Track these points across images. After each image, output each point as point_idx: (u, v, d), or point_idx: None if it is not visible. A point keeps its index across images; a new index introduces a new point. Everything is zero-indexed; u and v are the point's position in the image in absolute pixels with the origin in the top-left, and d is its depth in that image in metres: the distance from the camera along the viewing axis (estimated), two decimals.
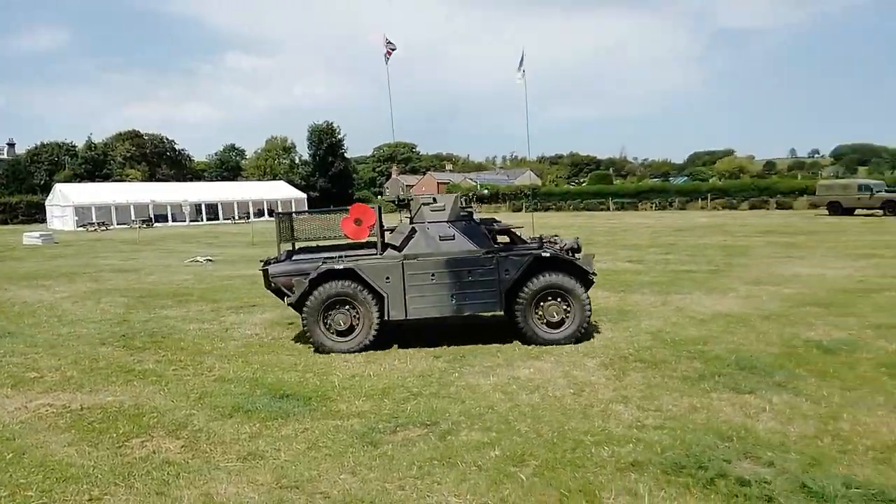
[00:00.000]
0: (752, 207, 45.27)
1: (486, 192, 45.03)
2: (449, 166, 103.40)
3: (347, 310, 7.29)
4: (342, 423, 4.97)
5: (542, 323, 7.36)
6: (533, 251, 7.43)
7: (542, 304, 7.35)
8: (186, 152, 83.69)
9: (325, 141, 79.63)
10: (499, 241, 7.93)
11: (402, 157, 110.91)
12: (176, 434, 4.88)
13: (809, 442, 4.24)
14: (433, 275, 7.29)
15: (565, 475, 3.86)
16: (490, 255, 7.36)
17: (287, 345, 7.82)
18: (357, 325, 7.30)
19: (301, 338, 8.13)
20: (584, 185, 70.32)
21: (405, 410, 5.20)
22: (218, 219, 58.08)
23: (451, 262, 7.30)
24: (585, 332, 7.44)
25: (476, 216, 8.03)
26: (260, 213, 63.00)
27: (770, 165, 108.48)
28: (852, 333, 7.31)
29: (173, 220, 54.86)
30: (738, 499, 3.49)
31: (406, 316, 7.36)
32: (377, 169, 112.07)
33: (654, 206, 50.85)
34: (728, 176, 67.12)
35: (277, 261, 7.89)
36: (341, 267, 7.27)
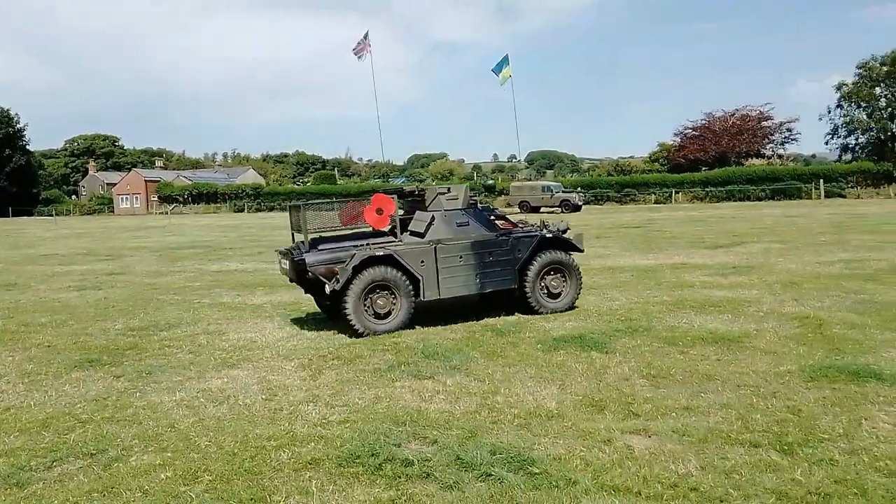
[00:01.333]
0: None
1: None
2: (160, 162, 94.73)
3: (387, 294, 7.67)
4: None
5: (544, 295, 8.47)
6: (538, 233, 8.50)
7: (545, 278, 8.47)
8: None
9: (0, 131, 67.39)
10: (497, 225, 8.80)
11: (103, 152, 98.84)
12: None
13: (470, 417, 4.77)
14: (461, 257, 8.06)
15: (240, 485, 3.77)
16: (506, 238, 8.33)
17: None
18: (394, 307, 7.70)
19: None
20: (308, 184, 70.24)
21: (67, 441, 4.60)
22: None
23: (475, 244, 8.14)
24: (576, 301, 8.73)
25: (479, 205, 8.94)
26: None
27: (477, 168, 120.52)
28: (521, 316, 8.40)
29: None
30: (401, 479, 3.76)
31: (440, 295, 8.01)
32: (70, 164, 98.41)
33: None
34: (441, 177, 72.84)
35: (301, 251, 7.88)
36: (382, 253, 7.64)
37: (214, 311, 9.72)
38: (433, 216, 8.17)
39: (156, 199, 71.57)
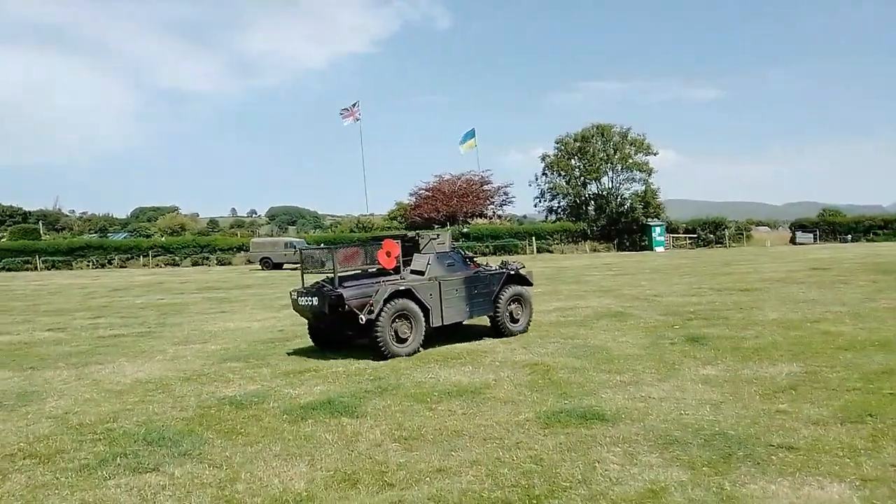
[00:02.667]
0: (194, 264, 46.29)
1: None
2: None
3: (406, 322, 8.97)
4: None
5: (508, 320, 10.32)
6: (504, 270, 10.48)
7: (510, 306, 10.36)
8: None
9: None
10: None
11: None
12: None
13: None
14: (457, 290, 9.68)
15: None
16: (483, 274, 10.16)
17: None
18: (410, 333, 9.04)
19: None
20: (3, 240, 59.44)
21: None
22: None
23: (467, 280, 9.86)
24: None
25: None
26: None
27: (213, 223, 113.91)
28: (264, 385, 7.76)
29: None
30: None
31: (442, 322, 9.52)
32: None
33: (91, 264, 46.64)
34: (171, 233, 67.22)
35: (332, 288, 8.88)
36: (403, 287, 9.00)
37: None
38: (429, 257, 9.69)
39: None
